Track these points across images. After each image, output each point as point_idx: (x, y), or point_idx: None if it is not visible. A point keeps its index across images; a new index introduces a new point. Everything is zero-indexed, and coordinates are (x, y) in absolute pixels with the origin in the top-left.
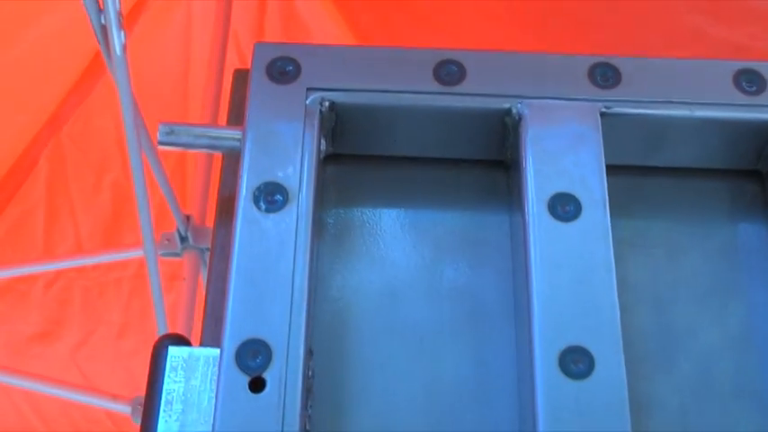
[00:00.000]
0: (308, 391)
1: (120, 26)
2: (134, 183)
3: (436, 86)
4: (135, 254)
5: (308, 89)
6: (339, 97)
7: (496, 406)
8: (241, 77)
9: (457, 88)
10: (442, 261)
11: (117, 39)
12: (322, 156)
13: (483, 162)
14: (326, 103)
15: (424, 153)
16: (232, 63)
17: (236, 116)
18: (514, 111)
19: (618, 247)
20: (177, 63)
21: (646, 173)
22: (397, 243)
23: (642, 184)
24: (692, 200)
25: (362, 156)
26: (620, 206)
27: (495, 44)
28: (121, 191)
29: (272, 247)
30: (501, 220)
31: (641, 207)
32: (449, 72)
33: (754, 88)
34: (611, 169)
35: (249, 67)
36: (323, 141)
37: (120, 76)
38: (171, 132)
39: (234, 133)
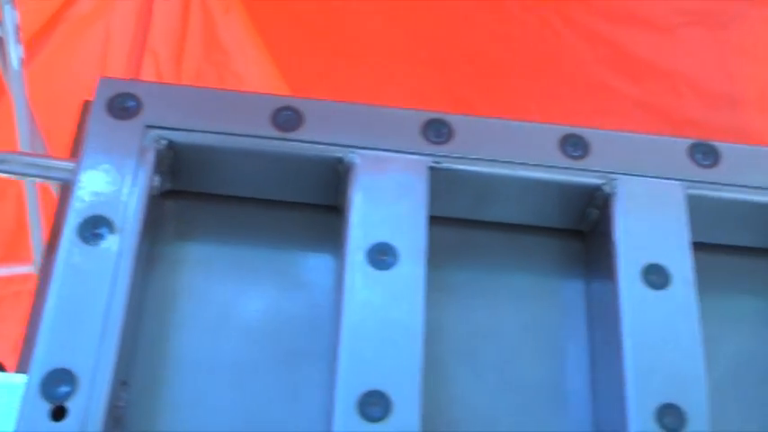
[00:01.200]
0: (116, 420)
1: (18, 40)
2: (27, 197)
3: (273, 132)
4: (28, 269)
5: (147, 126)
6: (177, 136)
7: None
8: (88, 109)
9: (293, 134)
10: (267, 300)
11: (14, 52)
12: (156, 192)
13: (317, 206)
14: (164, 142)
15: (259, 194)
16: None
17: (78, 147)
18: (346, 159)
19: (437, 294)
20: (93, 77)
21: (477, 226)
22: (227, 280)
23: (473, 237)
24: (518, 254)
25: (202, 193)
26: (448, 256)
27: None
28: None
29: (89, 278)
30: (327, 264)
31: (469, 258)
32: (286, 118)
33: (578, 153)
34: (442, 221)
35: None
36: (157, 178)
37: (15, 90)
38: (3, 161)
39: (65, 165)
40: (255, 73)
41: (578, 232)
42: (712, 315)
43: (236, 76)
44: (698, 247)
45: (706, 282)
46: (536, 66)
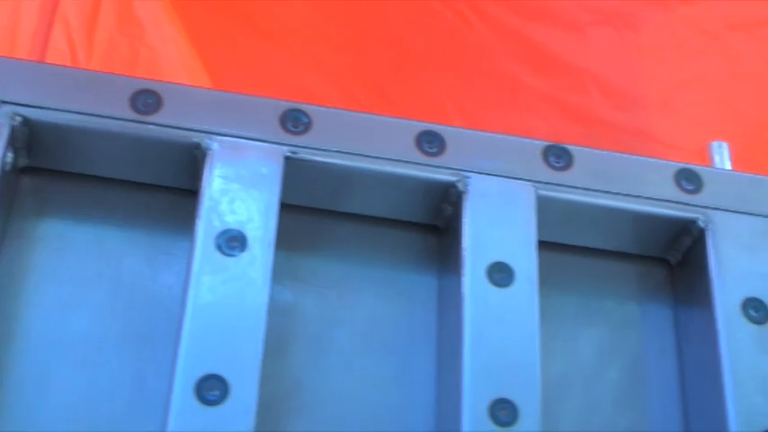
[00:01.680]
0: None
1: None
2: None
3: (131, 114)
4: None
5: (1, 102)
6: (33, 113)
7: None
8: None
9: (151, 118)
10: (120, 279)
11: None
12: (9, 167)
13: (177, 189)
14: (19, 118)
15: (118, 175)
16: (60, 49)
17: None
18: (203, 145)
19: (291, 282)
20: (2, 44)
21: (335, 216)
22: (82, 259)
23: (330, 227)
24: (374, 246)
25: (60, 171)
26: (304, 245)
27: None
28: None
29: None
30: (183, 247)
31: (326, 248)
32: (145, 102)
33: (434, 150)
34: (300, 209)
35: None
36: (11, 154)
37: None
38: None
39: None
40: (172, 51)
41: (435, 227)
42: (559, 313)
43: (152, 49)
44: (549, 246)
45: (556, 280)
46: (451, 57)
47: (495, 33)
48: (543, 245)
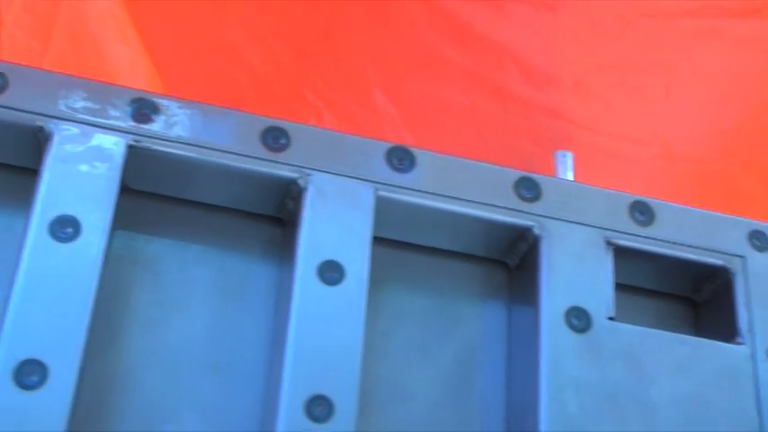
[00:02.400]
0: None
1: None
2: None
3: None
4: None
5: None
6: None
7: None
8: None
9: None
10: None
11: None
12: None
13: (24, 169)
14: None
15: None
16: None
17: None
18: (46, 129)
19: (128, 267)
20: None
21: (181, 203)
22: None
23: (176, 213)
24: (218, 234)
25: None
26: (148, 230)
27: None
28: None
29: None
30: (16, 227)
31: (168, 233)
32: None
33: (278, 145)
34: (140, 195)
35: None
36: None
37: None
38: None
39: None
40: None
41: (278, 219)
42: (400, 310)
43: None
44: (394, 244)
45: (399, 278)
46: (375, 25)
47: (419, 4)
48: (388, 242)
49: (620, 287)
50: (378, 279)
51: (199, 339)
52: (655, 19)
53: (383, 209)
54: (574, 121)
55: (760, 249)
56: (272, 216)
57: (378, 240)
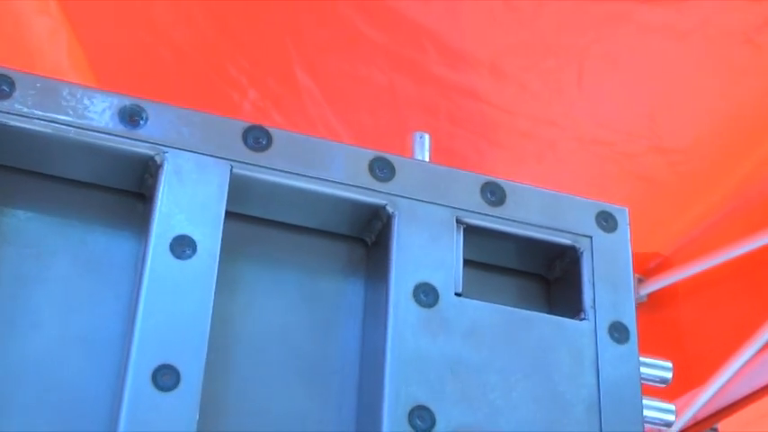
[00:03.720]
0: None
1: None
2: None
3: None
4: None
5: None
6: None
7: None
8: None
9: None
10: None
11: None
12: None
13: None
14: None
15: None
16: None
17: None
18: None
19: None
20: None
21: (39, 177)
22: None
23: (33, 188)
24: (73, 208)
25: None
26: (4, 202)
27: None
28: None
29: None
30: None
31: (26, 207)
32: None
33: (133, 123)
34: (3, 169)
35: None
36: None
37: None
38: None
39: None
40: None
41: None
42: (255, 284)
43: None
44: (254, 220)
45: (257, 253)
46: (297, 2)
47: None
48: (248, 219)
49: (477, 265)
50: (238, 255)
51: (59, 312)
52: (568, 1)
53: (241, 186)
54: (490, 103)
55: (607, 230)
56: (135, 191)
57: (238, 217)
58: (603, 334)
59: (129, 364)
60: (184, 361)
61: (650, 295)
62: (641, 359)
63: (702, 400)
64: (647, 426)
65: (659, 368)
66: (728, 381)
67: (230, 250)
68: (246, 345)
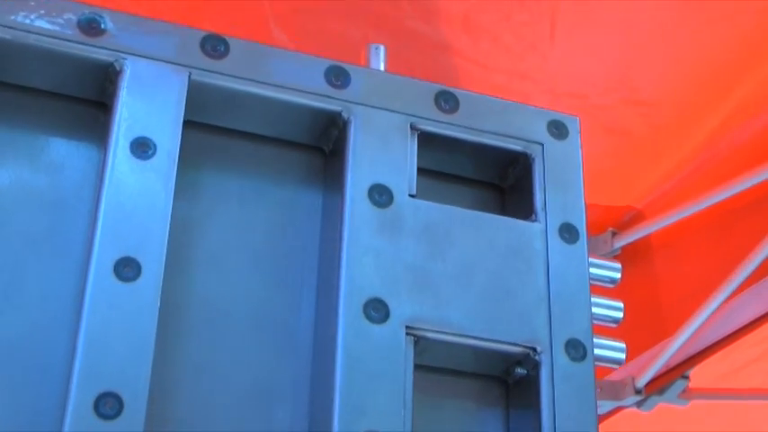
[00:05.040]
0: None
1: None
2: None
3: None
4: None
5: None
6: None
7: None
8: None
9: None
10: None
11: None
12: None
13: None
14: None
15: None
16: None
17: None
18: None
19: None
20: None
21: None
22: None
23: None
24: (32, 117)
25: None
26: None
27: None
28: None
29: None
30: None
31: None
32: None
33: (92, 32)
34: None
35: None
36: None
37: None
38: None
39: None
40: None
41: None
42: (218, 192)
43: None
44: (214, 130)
45: (218, 162)
46: None
47: None
48: (207, 127)
49: (433, 174)
50: (198, 162)
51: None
52: None
53: (199, 94)
54: (464, 56)
55: (557, 137)
56: (97, 101)
57: (199, 127)
58: (554, 234)
59: (91, 259)
60: (146, 255)
61: (624, 248)
62: (590, 260)
63: (673, 348)
64: (596, 322)
65: (608, 268)
66: (698, 329)
67: (191, 159)
68: (207, 247)
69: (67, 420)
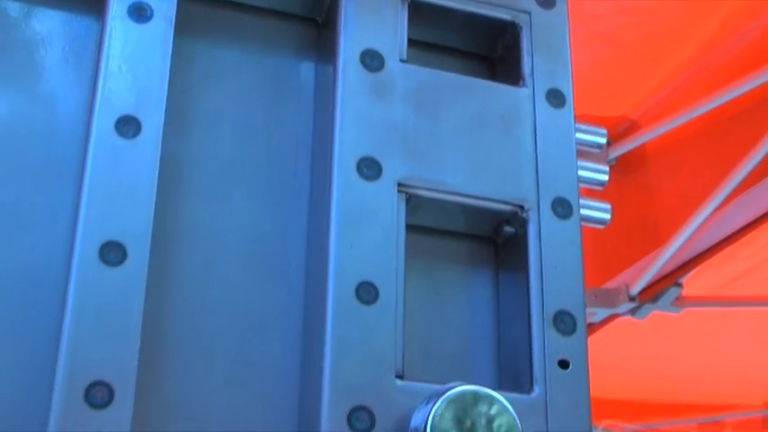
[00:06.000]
0: None
1: None
2: None
3: None
4: None
5: None
6: None
7: None
8: None
9: None
10: None
11: None
12: None
13: None
14: None
15: None
16: None
17: None
18: None
19: None
20: None
21: None
22: None
23: None
24: None
25: None
26: None
27: None
28: None
29: None
30: None
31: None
32: None
33: None
34: None
35: None
36: None
37: None
38: None
39: None
40: None
41: None
42: (207, 62)
43: None
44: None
45: (209, 32)
46: None
47: None
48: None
49: (424, 46)
50: (196, 34)
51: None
52: None
53: None
54: None
55: (544, 6)
56: None
57: None
58: (541, 99)
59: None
60: (145, 114)
61: (619, 158)
62: (577, 125)
63: (667, 255)
64: (583, 185)
65: (594, 134)
66: (691, 236)
67: (187, 29)
68: (205, 110)
69: (55, 408)
